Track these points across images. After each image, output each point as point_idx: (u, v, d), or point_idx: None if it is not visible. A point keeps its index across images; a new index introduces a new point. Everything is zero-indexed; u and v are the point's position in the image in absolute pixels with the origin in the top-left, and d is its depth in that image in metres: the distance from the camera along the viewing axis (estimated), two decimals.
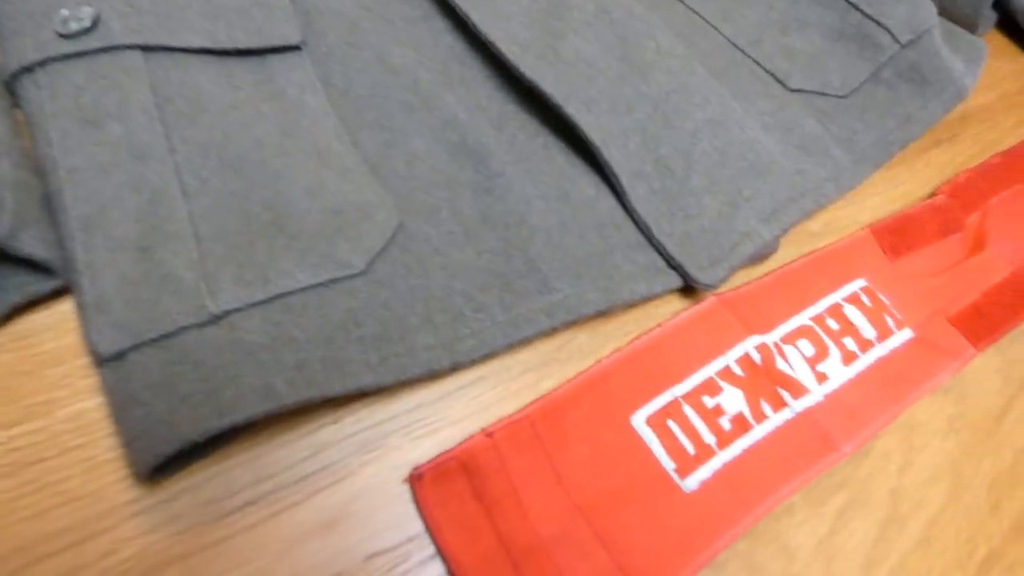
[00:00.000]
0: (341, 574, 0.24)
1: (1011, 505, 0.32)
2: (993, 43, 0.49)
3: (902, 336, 0.34)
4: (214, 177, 0.29)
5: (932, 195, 0.41)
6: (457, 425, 0.28)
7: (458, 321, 0.29)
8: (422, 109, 0.35)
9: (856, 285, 0.35)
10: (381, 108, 0.35)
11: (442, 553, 0.25)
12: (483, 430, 0.27)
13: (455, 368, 0.28)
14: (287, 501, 0.25)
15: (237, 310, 0.26)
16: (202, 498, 0.24)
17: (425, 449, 0.27)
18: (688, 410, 0.30)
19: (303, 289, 0.27)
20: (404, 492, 0.26)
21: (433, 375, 0.29)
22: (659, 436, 0.29)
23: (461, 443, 0.27)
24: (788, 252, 0.37)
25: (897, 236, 0.38)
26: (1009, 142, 0.45)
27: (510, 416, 0.28)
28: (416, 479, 0.26)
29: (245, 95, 0.32)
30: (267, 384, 0.24)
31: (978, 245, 0.39)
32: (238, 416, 0.23)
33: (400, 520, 0.26)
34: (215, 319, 0.25)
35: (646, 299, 0.33)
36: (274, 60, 0.34)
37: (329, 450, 0.26)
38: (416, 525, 0.26)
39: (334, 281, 0.28)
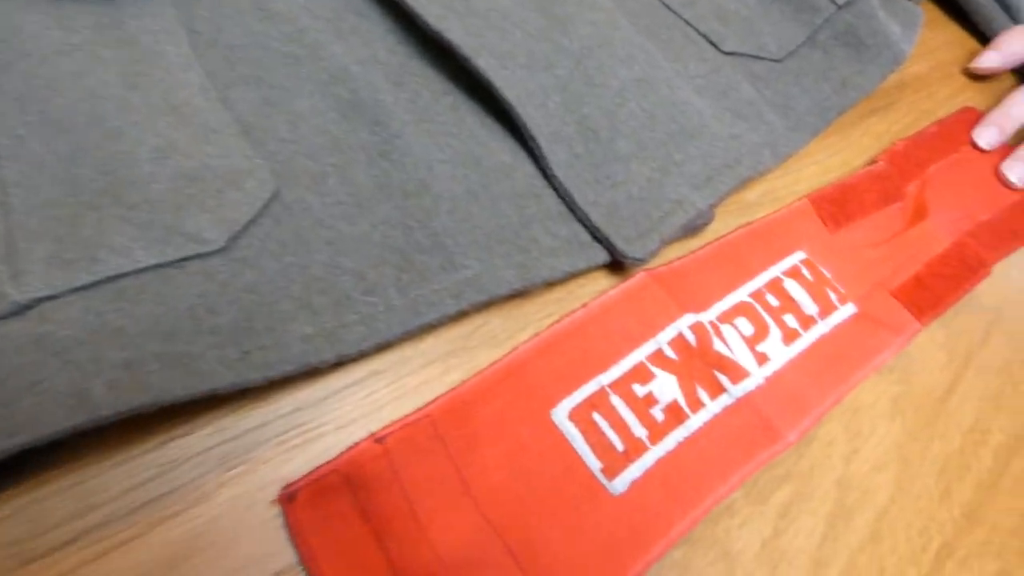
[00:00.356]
0: None
1: (961, 491, 0.30)
2: (927, 14, 0.47)
3: (845, 311, 0.31)
4: (33, 135, 0.23)
5: (871, 163, 0.38)
6: (344, 430, 0.24)
7: (344, 305, 0.24)
8: (307, 62, 0.30)
9: (796, 258, 0.33)
10: (258, 61, 0.29)
11: None
12: (372, 435, 0.22)
13: (341, 361, 0.24)
14: (119, 537, 0.20)
15: (51, 298, 0.20)
16: (3, 539, 0.19)
17: (303, 462, 0.23)
18: (616, 400, 0.26)
19: (142, 270, 0.22)
20: (274, 517, 0.21)
21: (313, 371, 0.24)
22: (583, 432, 0.25)
23: (344, 452, 0.22)
24: (724, 224, 0.34)
25: (836, 206, 0.35)
26: (944, 111, 0.44)
27: (405, 417, 0.23)
28: (287, 499, 0.21)
29: (81, 39, 0.26)
30: (81, 390, 0.19)
31: (919, 215, 0.36)
32: (36, 433, 0.18)
33: (267, 552, 0.21)
34: (19, 309, 0.20)
35: (569, 277, 0.29)
36: (125, 1, 0.28)
37: (178, 469, 0.21)
38: (286, 557, 0.21)
39: (184, 260, 0.22)
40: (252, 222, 0.24)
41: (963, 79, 0.46)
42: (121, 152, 0.24)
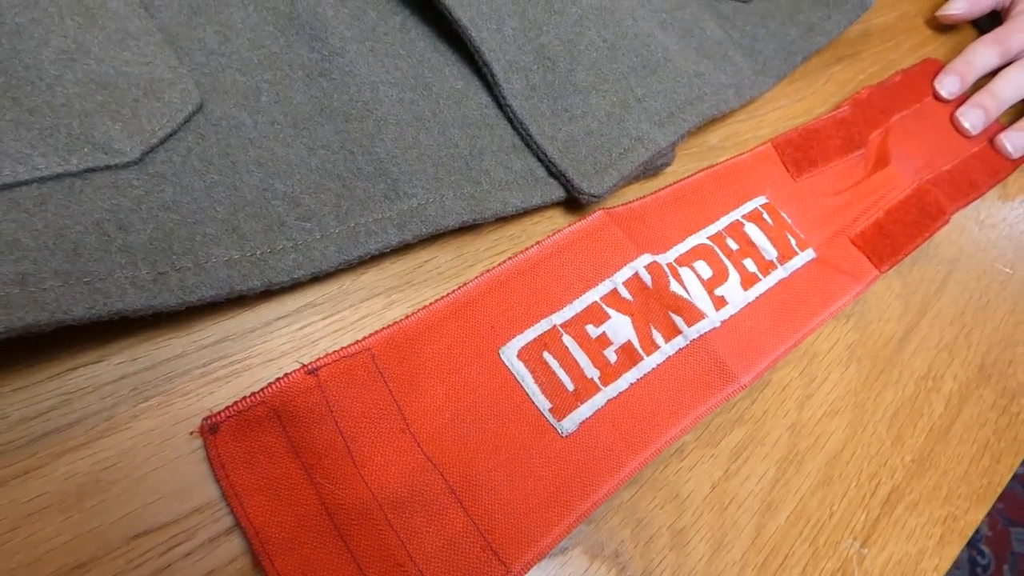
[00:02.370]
0: (91, 563, 0.18)
1: (913, 437, 0.29)
2: None
3: (804, 257, 0.31)
4: None
5: (835, 109, 0.37)
6: (273, 364, 0.22)
7: (276, 231, 0.22)
8: None
9: (757, 202, 0.32)
10: None
11: (243, 525, 0.19)
12: (304, 366, 0.21)
13: (271, 291, 0.22)
14: (17, 467, 0.18)
15: None
16: None
17: (226, 396, 0.21)
18: (568, 340, 0.25)
19: (42, 179, 0.19)
20: (192, 451, 0.20)
21: (241, 301, 0.22)
22: (533, 371, 0.24)
23: (272, 383, 0.20)
24: (686, 166, 0.33)
25: (800, 151, 0.34)
26: (908, 62, 0.43)
27: (343, 349, 0.22)
28: (209, 430, 0.20)
29: None
30: None
31: (881, 162, 0.36)
32: None
33: (184, 488, 0.19)
34: None
35: (522, 212, 0.28)
36: None
37: (86, 398, 0.19)
38: (206, 493, 0.19)
39: (92, 171, 0.20)
40: (172, 136, 0.22)
41: (927, 31, 0.46)
42: (21, 51, 0.21)
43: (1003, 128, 0.40)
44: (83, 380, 0.20)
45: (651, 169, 0.31)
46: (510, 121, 0.29)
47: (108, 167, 0.20)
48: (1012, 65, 0.42)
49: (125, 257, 0.19)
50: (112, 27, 0.23)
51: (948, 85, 0.40)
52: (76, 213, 0.19)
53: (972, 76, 0.41)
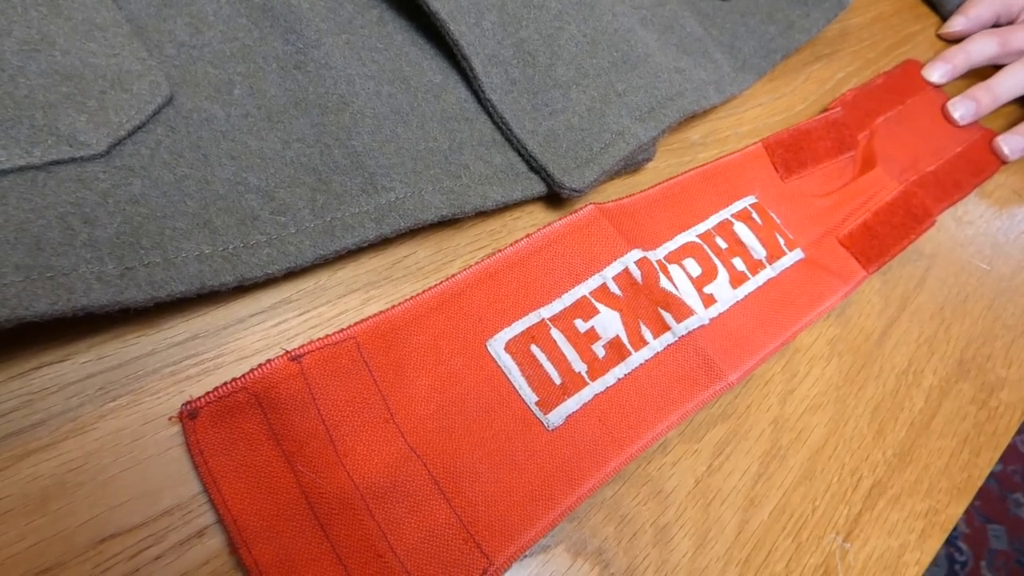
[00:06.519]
0: (56, 568, 0.17)
1: (894, 432, 0.29)
2: None
3: (793, 257, 0.31)
4: None
5: (826, 109, 0.37)
6: (246, 362, 0.21)
7: (249, 225, 0.22)
8: None
9: (747, 201, 0.31)
10: None
11: (221, 512, 0.18)
12: (287, 352, 0.20)
13: (243, 285, 0.21)
14: None
15: None
16: None
17: (196, 395, 0.20)
18: (556, 334, 0.25)
19: (4, 172, 0.19)
20: (161, 452, 0.19)
21: (213, 297, 0.21)
22: (520, 364, 0.24)
23: (254, 370, 0.20)
24: (667, 162, 0.33)
25: (790, 152, 0.34)
26: (886, 61, 0.43)
27: (327, 337, 0.21)
28: (188, 416, 0.19)
29: None
30: None
31: (868, 164, 0.36)
32: None
33: (153, 489, 0.19)
34: None
35: (503, 207, 0.27)
36: None
37: (50, 398, 0.19)
38: (176, 495, 0.19)
39: (56, 164, 0.20)
40: (140, 128, 0.21)
41: (904, 30, 0.46)
42: None
43: (990, 132, 0.41)
44: (47, 379, 0.19)
45: (632, 164, 0.31)
46: (490, 115, 0.28)
47: (73, 160, 0.20)
48: (1014, 63, 0.42)
49: (91, 252, 0.19)
50: (78, 18, 0.23)
51: (937, 70, 0.41)
52: (39, 207, 0.19)
53: (964, 64, 0.42)
